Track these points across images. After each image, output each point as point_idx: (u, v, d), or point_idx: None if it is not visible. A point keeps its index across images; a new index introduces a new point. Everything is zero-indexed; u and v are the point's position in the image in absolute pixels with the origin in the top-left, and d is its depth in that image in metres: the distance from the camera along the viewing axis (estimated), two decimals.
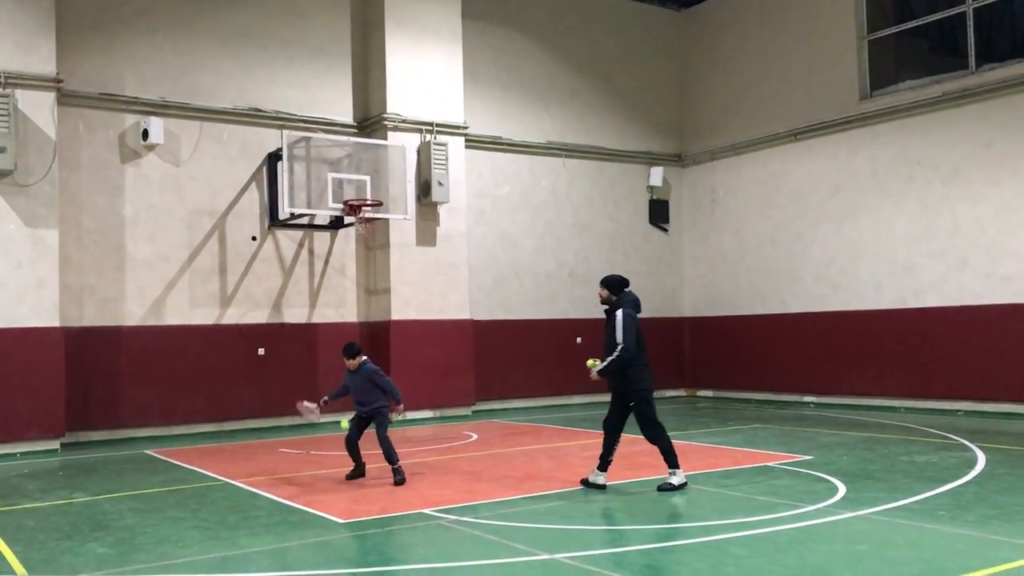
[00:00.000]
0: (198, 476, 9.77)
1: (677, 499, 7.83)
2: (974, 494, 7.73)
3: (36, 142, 12.41)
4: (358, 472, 9.14)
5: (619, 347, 7.95)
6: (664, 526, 6.86)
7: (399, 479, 8.73)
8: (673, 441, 8.26)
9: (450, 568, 5.82)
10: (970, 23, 14.96)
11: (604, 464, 8.31)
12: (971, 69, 14.90)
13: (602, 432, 8.38)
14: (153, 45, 14.16)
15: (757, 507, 7.36)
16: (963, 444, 10.77)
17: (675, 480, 8.09)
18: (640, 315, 8.16)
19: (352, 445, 9.12)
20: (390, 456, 8.85)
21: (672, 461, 8.14)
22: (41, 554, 6.39)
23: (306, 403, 9.51)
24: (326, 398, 9.27)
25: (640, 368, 8.10)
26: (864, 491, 7.91)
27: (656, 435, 8.11)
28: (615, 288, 8.32)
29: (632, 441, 8.83)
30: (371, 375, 9.03)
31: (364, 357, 9.20)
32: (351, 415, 9.16)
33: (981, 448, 10.36)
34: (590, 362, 8.18)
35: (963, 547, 6.03)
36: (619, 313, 8.07)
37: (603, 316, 8.36)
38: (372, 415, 9.05)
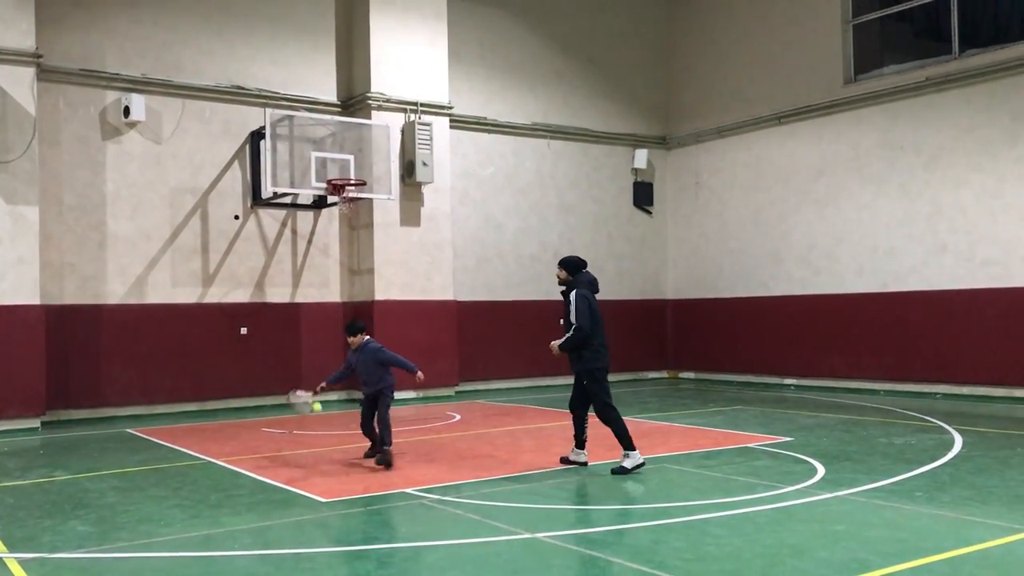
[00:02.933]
0: (180, 455, 9.76)
1: (657, 479, 7.89)
2: (950, 475, 7.83)
3: (16, 118, 12.28)
4: (375, 451, 8.95)
5: (573, 327, 8.06)
6: (645, 506, 6.91)
7: (383, 460, 8.52)
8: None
9: (432, 547, 5.85)
10: (954, 8, 15.00)
11: (580, 443, 8.44)
12: (954, 54, 14.96)
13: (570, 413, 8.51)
14: (135, 21, 14.01)
15: (737, 488, 7.43)
16: (940, 426, 10.90)
17: (628, 463, 8.05)
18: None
19: (367, 426, 8.97)
20: (384, 437, 8.67)
21: (626, 443, 8.10)
22: (22, 532, 6.37)
23: (299, 392, 9.40)
24: (323, 384, 8.99)
25: (594, 348, 8.14)
26: (843, 472, 7.99)
27: (607, 416, 8.12)
28: (571, 269, 8.39)
29: None
30: (375, 353, 8.87)
31: (367, 336, 9.07)
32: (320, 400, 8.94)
33: (958, 430, 10.48)
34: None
35: (939, 527, 6.12)
36: (573, 295, 8.16)
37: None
38: (377, 395, 8.83)
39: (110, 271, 13.68)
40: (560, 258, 8.69)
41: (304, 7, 15.48)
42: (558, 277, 8.48)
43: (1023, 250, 13.95)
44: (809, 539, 5.83)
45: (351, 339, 9.00)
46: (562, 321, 8.30)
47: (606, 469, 8.28)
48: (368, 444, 9.10)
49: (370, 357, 8.88)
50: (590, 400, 8.27)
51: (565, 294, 8.31)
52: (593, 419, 8.33)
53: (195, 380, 14.19)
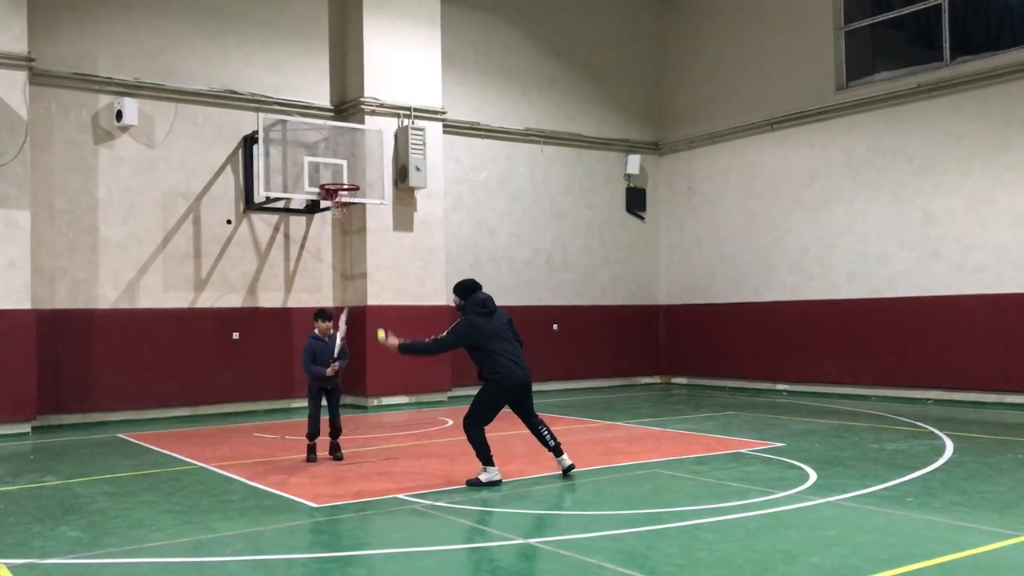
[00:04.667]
0: (171, 460, 9.73)
1: (649, 485, 7.89)
2: (942, 481, 7.85)
3: (7, 122, 12.24)
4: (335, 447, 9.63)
5: (431, 339, 8.14)
6: (637, 511, 6.91)
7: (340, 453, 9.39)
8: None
9: (424, 552, 5.84)
10: (945, 16, 15.08)
11: (552, 450, 8.22)
12: (946, 61, 15.03)
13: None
14: (127, 24, 13.99)
15: (729, 493, 7.44)
16: (932, 432, 10.92)
17: (483, 476, 7.89)
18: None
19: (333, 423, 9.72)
20: (339, 427, 9.62)
21: (484, 459, 7.93)
22: (12, 537, 6.34)
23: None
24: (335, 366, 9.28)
25: (494, 361, 7.95)
26: (834, 478, 8.01)
27: (470, 430, 7.97)
28: (462, 293, 8.30)
29: (606, 428, 8.95)
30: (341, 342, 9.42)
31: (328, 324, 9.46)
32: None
33: (949, 436, 10.51)
34: (380, 333, 8.13)
35: (930, 533, 6.13)
36: (460, 320, 8.11)
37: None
38: (336, 384, 9.53)
39: (102, 275, 13.64)
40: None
41: (297, 12, 15.48)
42: (454, 303, 8.40)
43: (1014, 256, 14.01)
44: (801, 545, 5.84)
45: (324, 324, 9.33)
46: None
47: (597, 474, 8.28)
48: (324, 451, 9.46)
49: (338, 346, 9.26)
50: (524, 411, 8.19)
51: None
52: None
53: (187, 385, 14.14)
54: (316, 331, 9.38)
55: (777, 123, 17.43)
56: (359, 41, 15.44)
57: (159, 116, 14.17)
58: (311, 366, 9.21)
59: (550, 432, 8.28)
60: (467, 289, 8.31)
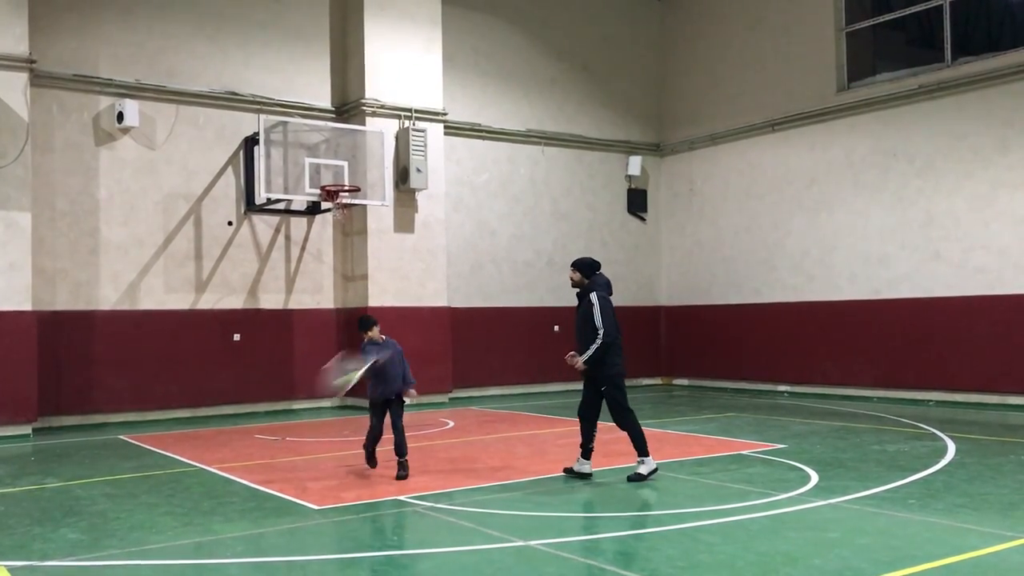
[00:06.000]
0: (172, 462, 9.72)
1: (650, 487, 7.88)
2: (944, 483, 7.83)
3: (8, 123, 12.24)
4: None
5: (600, 332, 7.81)
6: (637, 513, 6.90)
7: (406, 473, 8.24)
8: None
9: (425, 554, 5.83)
10: (947, 17, 15.06)
11: (587, 452, 8.18)
12: (947, 62, 15.02)
13: (578, 420, 8.28)
14: (128, 26, 13.99)
15: (730, 495, 7.42)
16: (934, 433, 10.91)
17: (643, 469, 7.96)
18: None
19: (377, 438, 8.59)
20: (404, 445, 8.35)
21: (642, 449, 8.00)
22: (12, 539, 6.33)
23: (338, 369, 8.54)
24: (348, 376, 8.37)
25: (615, 353, 7.98)
26: (836, 479, 7.99)
27: (625, 421, 7.99)
28: (587, 271, 8.16)
29: (607, 429, 8.83)
30: (399, 351, 8.48)
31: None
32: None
33: (951, 437, 10.49)
34: (570, 356, 7.97)
35: (932, 535, 6.12)
36: (594, 296, 7.93)
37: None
38: (394, 398, 8.46)
39: (103, 277, 13.64)
40: (573, 259, 8.37)
41: (298, 13, 15.48)
42: (572, 279, 8.23)
43: (1016, 257, 13.99)
44: (802, 547, 5.83)
45: (371, 332, 8.41)
46: (578, 327, 8.00)
47: (601, 476, 8.26)
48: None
49: (396, 354, 8.31)
50: (610, 407, 8.01)
51: (581, 296, 8.09)
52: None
53: (188, 387, 14.14)
54: (367, 339, 8.50)
55: (778, 124, 17.42)
56: (360, 42, 15.44)
57: (160, 118, 14.17)
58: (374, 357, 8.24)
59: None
60: (590, 267, 8.19)
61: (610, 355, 7.93)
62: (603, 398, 8.09)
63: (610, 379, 7.99)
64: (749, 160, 18.04)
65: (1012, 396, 13.91)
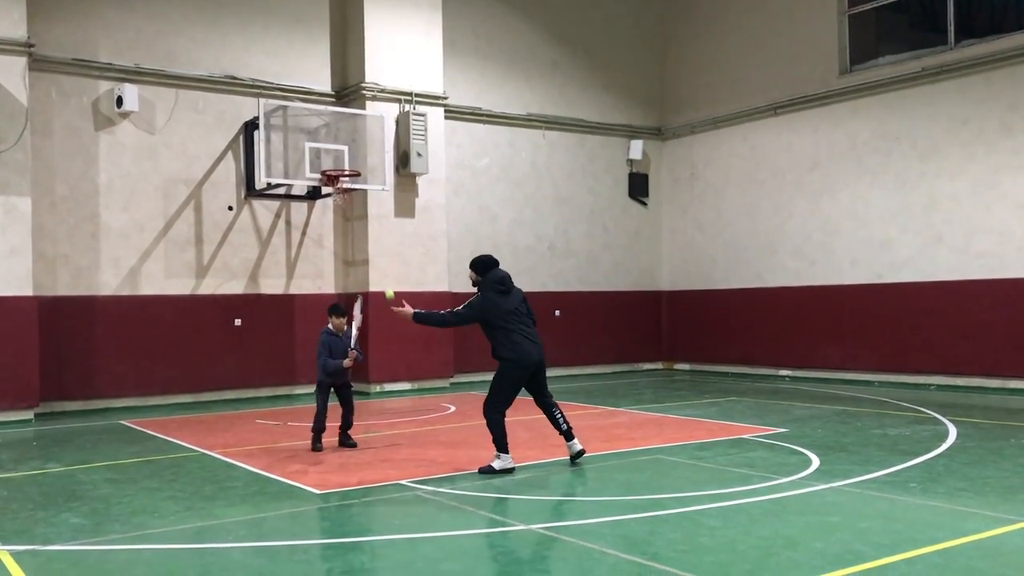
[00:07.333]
0: (174, 447, 9.73)
1: (652, 471, 7.89)
2: (945, 467, 7.83)
3: (7, 108, 12.20)
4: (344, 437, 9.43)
5: (453, 312, 8.05)
6: (639, 497, 6.90)
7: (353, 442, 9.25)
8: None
9: (427, 538, 5.84)
10: None
11: (564, 434, 8.16)
12: (950, 45, 14.93)
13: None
14: (127, 10, 13.92)
15: (732, 479, 7.43)
16: (935, 418, 10.91)
17: (496, 464, 7.83)
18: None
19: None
20: (352, 420, 9.40)
21: (499, 445, 7.87)
22: (14, 524, 6.35)
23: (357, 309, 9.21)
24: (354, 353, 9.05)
25: (509, 339, 7.93)
26: (837, 463, 8.00)
27: (490, 415, 7.93)
28: (480, 268, 8.19)
29: (608, 414, 8.94)
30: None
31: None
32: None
33: (952, 421, 10.50)
34: (389, 292, 8.25)
35: (933, 518, 6.12)
36: (477, 296, 8.04)
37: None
38: (347, 380, 9.35)
39: (103, 262, 13.63)
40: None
41: None
42: (470, 279, 8.29)
43: (1018, 241, 13.95)
44: (803, 530, 5.83)
45: (334, 320, 9.09)
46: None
47: (600, 460, 8.27)
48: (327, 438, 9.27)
49: (354, 337, 9.03)
50: (539, 390, 8.12)
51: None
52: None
53: (189, 372, 14.14)
54: (330, 326, 9.10)
55: (780, 108, 17.35)
56: (360, 26, 15.36)
57: (160, 102, 14.12)
58: (327, 360, 8.96)
59: (563, 415, 8.21)
60: (485, 265, 8.19)
61: (500, 339, 7.95)
62: (536, 387, 8.12)
63: (498, 361, 8.02)
64: (751, 144, 17.98)
65: (1014, 380, 13.90)
